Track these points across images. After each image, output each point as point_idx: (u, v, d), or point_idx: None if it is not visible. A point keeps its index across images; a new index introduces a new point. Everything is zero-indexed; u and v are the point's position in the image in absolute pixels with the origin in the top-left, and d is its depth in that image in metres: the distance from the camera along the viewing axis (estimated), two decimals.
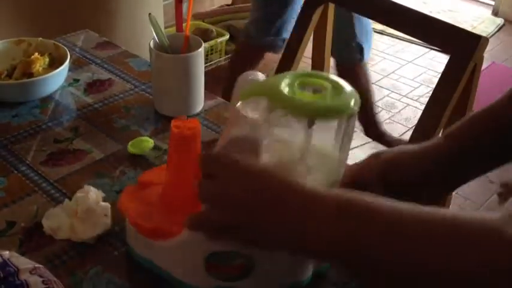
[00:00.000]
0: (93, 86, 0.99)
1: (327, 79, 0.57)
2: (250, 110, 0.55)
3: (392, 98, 2.51)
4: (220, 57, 2.45)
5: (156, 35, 0.89)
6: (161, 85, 0.91)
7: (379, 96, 2.51)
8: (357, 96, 0.56)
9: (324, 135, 0.59)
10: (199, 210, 0.56)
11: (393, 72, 2.73)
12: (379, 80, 2.65)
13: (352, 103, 0.55)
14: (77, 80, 1.00)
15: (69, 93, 0.97)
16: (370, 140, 1.60)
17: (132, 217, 0.64)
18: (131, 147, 0.83)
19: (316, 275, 0.64)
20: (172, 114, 0.92)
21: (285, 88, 0.55)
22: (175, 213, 0.62)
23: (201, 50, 0.89)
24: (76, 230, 0.68)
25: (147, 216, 0.64)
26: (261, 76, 0.61)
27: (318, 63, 1.61)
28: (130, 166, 0.81)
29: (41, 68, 0.93)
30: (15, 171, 0.79)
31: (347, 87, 0.56)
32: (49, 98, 0.94)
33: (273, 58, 2.62)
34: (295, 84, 0.56)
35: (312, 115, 0.54)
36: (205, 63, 2.47)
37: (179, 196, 0.64)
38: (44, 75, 0.90)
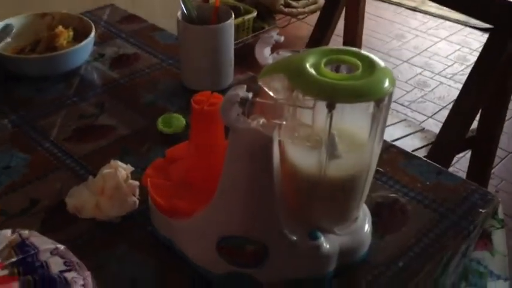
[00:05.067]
0: (118, 61, 0.95)
1: (359, 56, 0.52)
2: (271, 88, 0.51)
3: (425, 76, 2.43)
4: (247, 35, 2.39)
5: (184, 6, 0.84)
6: (189, 58, 0.87)
7: (411, 74, 2.44)
8: (392, 76, 0.51)
9: (353, 119, 0.54)
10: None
11: (426, 49, 2.64)
12: (412, 57, 2.56)
13: (383, 85, 0.49)
14: (102, 55, 0.96)
15: (94, 68, 0.93)
16: (403, 117, 1.54)
17: (152, 194, 0.61)
18: (163, 126, 0.79)
19: (340, 270, 0.59)
20: (201, 89, 0.87)
21: (309, 66, 0.51)
22: (196, 192, 0.59)
23: (231, 21, 0.84)
24: (102, 208, 0.65)
25: (167, 193, 0.61)
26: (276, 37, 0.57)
27: (351, 36, 1.55)
28: (158, 142, 0.78)
29: (65, 42, 0.90)
30: (39, 148, 0.76)
31: (381, 66, 0.51)
32: (74, 73, 0.91)
33: (304, 33, 2.57)
34: (322, 62, 0.51)
35: (331, 97, 0.49)
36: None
37: (200, 174, 0.61)
38: (68, 49, 0.87)
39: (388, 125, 1.43)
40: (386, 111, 0.53)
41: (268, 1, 2.39)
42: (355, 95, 0.49)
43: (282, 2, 2.38)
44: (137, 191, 0.66)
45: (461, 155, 1.75)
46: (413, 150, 1.36)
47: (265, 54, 0.59)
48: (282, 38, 0.59)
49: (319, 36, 1.48)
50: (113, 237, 0.64)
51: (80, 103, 0.85)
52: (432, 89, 2.34)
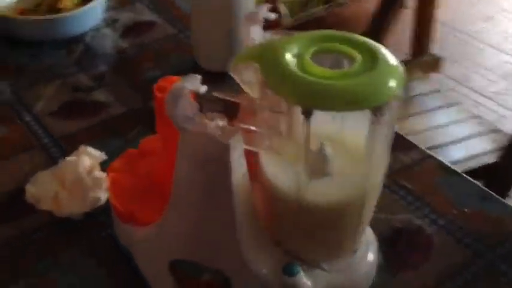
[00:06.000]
0: (132, 29, 0.85)
1: (361, 45, 0.38)
2: (244, 81, 0.38)
3: None
4: (318, 7, 2.23)
5: None
6: (201, 32, 0.75)
7: (497, 62, 2.18)
8: (400, 73, 0.36)
9: (350, 126, 0.40)
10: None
11: None
12: (500, 43, 2.29)
13: (383, 88, 0.35)
14: (115, 21, 0.86)
15: (103, 35, 0.84)
16: (475, 114, 1.34)
17: (110, 193, 0.50)
18: None
19: None
20: (215, 68, 0.76)
21: (291, 56, 0.37)
22: (162, 196, 0.48)
23: None
24: (60, 203, 0.55)
25: (128, 194, 0.50)
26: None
27: (422, 13, 1.36)
28: (152, 127, 0.67)
29: (70, 4, 0.80)
30: (19, 121, 0.68)
31: (386, 59, 0.37)
32: (79, 39, 0.81)
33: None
34: (309, 51, 0.38)
35: (307, 102, 0.35)
36: (302, 12, 2.26)
37: (167, 175, 0.49)
38: (69, 13, 0.78)
39: (453, 122, 1.25)
40: (393, 120, 0.39)
41: None
42: (339, 101, 0.35)
43: None
44: (104, 184, 0.56)
45: None
46: (480, 154, 1.18)
47: (252, 35, 0.46)
48: (273, 16, 0.46)
49: (383, 12, 1.31)
50: (70, 236, 0.55)
51: (77, 74, 0.76)
52: None
